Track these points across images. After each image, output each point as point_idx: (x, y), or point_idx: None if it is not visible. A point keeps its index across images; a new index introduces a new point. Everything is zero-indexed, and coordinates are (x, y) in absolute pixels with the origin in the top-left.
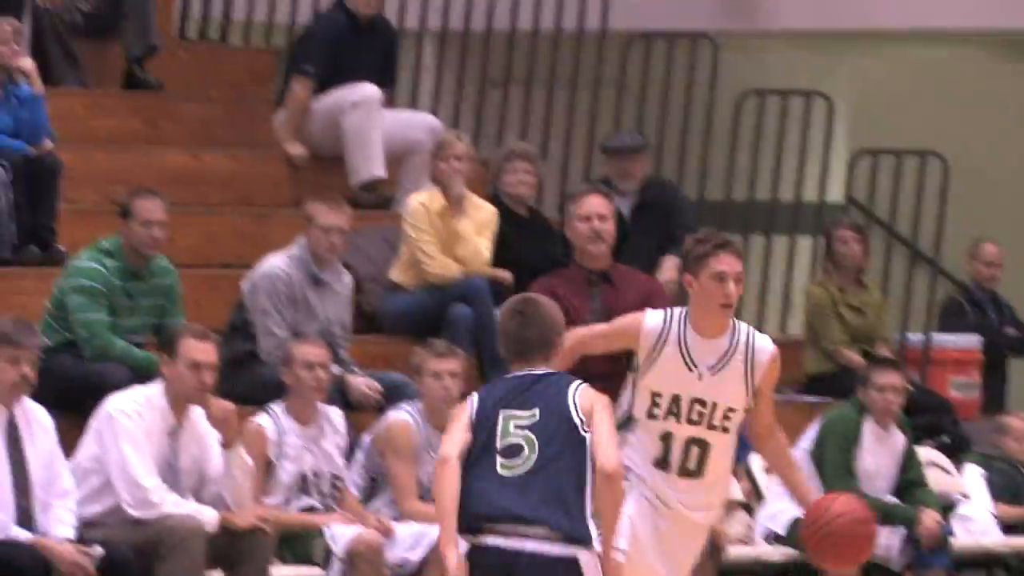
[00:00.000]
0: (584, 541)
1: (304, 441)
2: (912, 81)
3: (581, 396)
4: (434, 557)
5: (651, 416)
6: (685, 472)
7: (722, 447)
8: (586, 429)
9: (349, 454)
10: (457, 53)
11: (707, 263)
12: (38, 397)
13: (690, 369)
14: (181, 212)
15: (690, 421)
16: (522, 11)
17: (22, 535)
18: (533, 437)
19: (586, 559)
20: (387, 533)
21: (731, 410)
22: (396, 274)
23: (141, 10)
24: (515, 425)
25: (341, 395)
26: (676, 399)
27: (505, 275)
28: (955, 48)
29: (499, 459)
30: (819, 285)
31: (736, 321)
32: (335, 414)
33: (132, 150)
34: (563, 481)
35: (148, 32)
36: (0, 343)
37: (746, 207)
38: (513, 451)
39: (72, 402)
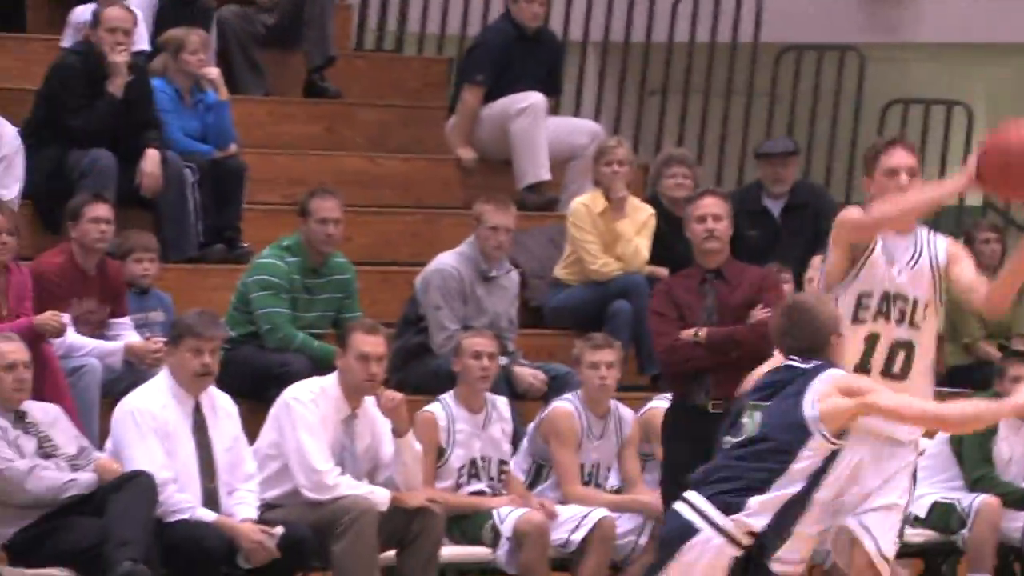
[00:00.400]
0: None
1: (473, 428)
2: None
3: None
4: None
5: (857, 320)
6: (889, 375)
7: (925, 346)
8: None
9: (515, 441)
10: (618, 63)
11: (879, 160)
12: (222, 385)
13: (891, 264)
14: (357, 212)
15: (898, 321)
16: (679, 24)
17: (208, 516)
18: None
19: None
20: (551, 515)
21: (926, 307)
22: (560, 271)
23: (320, 23)
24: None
25: (508, 385)
26: (885, 296)
27: (663, 272)
28: None
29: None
30: None
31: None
32: (502, 403)
33: (312, 154)
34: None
35: (327, 43)
36: (184, 334)
37: None
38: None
39: (255, 391)
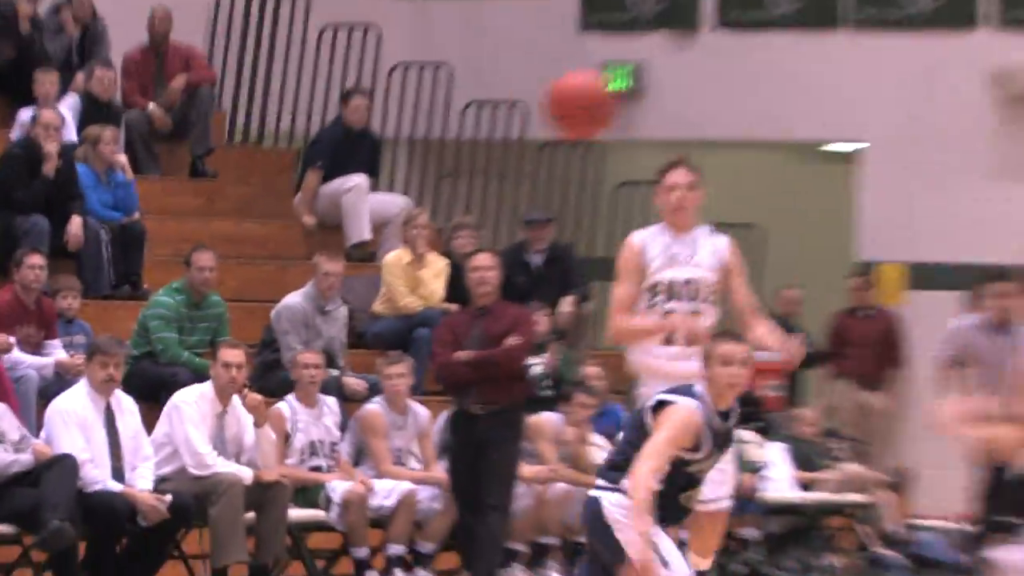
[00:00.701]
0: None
1: (310, 418)
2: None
3: None
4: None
5: (653, 306)
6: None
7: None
8: None
9: (343, 429)
10: (422, 153)
11: (663, 179)
12: (127, 390)
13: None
14: (228, 263)
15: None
16: (467, 124)
17: (116, 487)
18: None
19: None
20: (369, 488)
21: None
22: (377, 306)
23: (202, 122)
24: None
25: (339, 390)
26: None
27: (453, 308)
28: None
29: None
30: None
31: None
32: (331, 401)
33: (194, 220)
34: None
35: (207, 138)
36: (96, 352)
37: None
38: None
39: (151, 395)
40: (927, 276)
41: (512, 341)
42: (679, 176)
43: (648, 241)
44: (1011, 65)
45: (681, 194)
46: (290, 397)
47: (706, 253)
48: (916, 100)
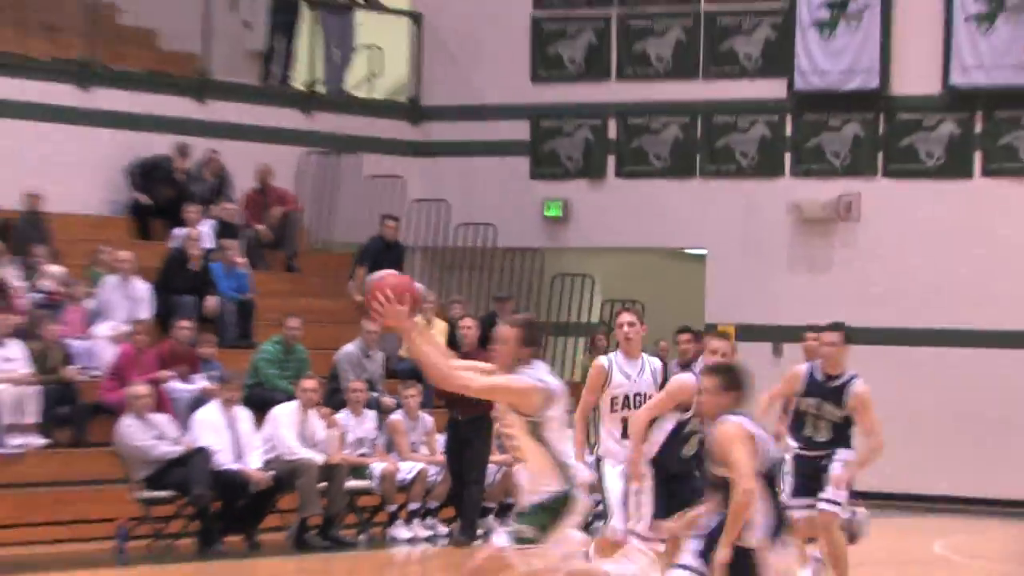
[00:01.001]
0: None
1: (359, 423)
2: None
3: None
4: None
5: (613, 410)
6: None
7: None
8: None
9: (380, 430)
10: (430, 256)
11: (617, 319)
12: (244, 405)
13: (627, 378)
14: (309, 325)
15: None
16: (459, 237)
17: (236, 467)
18: None
19: None
20: (396, 467)
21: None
22: (401, 352)
23: (292, 236)
24: None
25: (377, 405)
26: (626, 397)
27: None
28: None
29: None
30: None
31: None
32: (371, 412)
33: (286, 298)
34: None
35: (294, 245)
36: (224, 382)
37: None
38: None
39: (259, 408)
40: (748, 333)
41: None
42: (626, 317)
43: (610, 362)
44: (802, 200)
45: (627, 330)
46: (346, 410)
47: (647, 372)
48: (741, 223)
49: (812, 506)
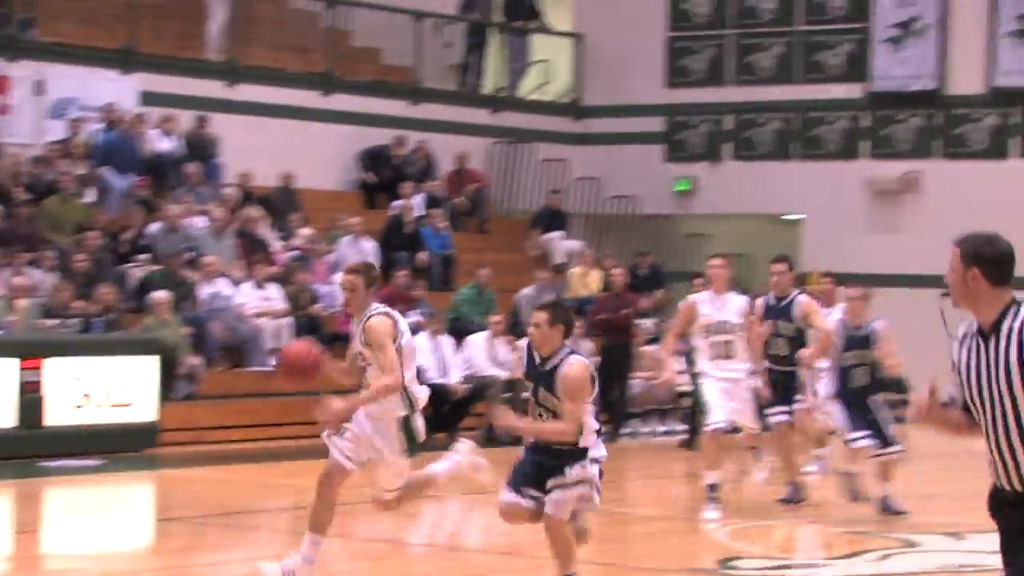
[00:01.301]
0: None
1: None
2: None
3: None
4: None
5: (705, 336)
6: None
7: None
8: None
9: None
10: (586, 223)
11: (708, 264)
12: (447, 333)
13: (715, 309)
14: (497, 275)
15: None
16: (612, 206)
17: (440, 380)
18: None
19: None
20: None
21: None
22: (567, 295)
23: (483, 205)
24: None
25: None
26: (709, 325)
27: (603, 295)
28: None
29: None
30: None
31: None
32: None
33: (478, 253)
34: None
35: (484, 212)
36: (431, 317)
37: None
38: None
39: (458, 336)
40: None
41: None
42: (713, 261)
43: (698, 299)
44: (876, 177)
45: (713, 271)
46: (526, 339)
47: (731, 305)
48: (829, 195)
49: (788, 413)
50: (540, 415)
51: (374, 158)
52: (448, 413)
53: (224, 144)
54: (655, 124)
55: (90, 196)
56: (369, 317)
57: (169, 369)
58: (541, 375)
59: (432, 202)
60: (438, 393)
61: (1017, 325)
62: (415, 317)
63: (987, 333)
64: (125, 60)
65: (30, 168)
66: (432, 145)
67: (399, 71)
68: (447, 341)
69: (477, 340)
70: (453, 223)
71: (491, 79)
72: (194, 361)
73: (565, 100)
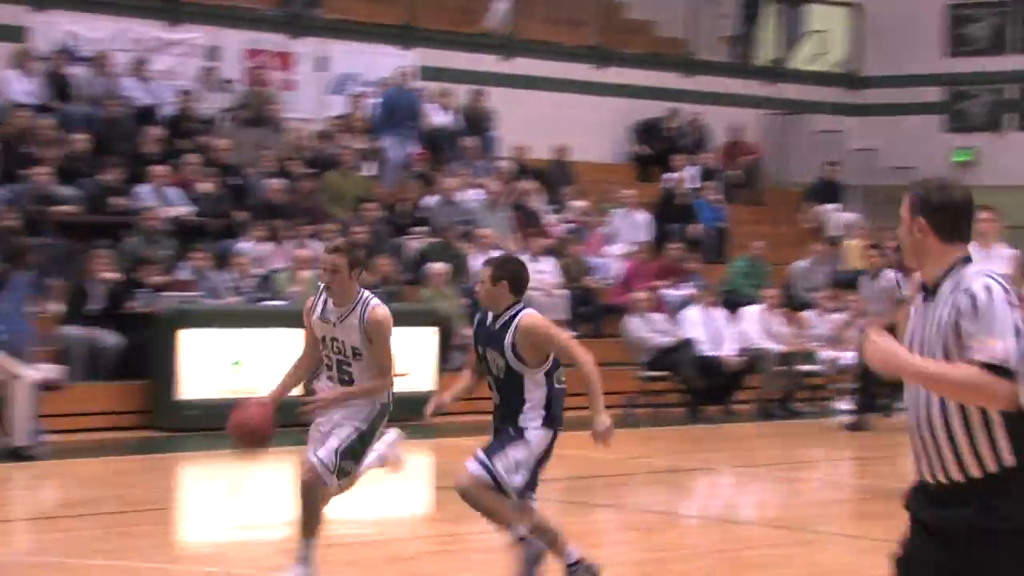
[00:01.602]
0: None
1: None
2: None
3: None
4: None
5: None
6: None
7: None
8: None
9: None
10: (861, 196)
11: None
12: (720, 306)
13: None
14: (774, 246)
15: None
16: (881, 178)
17: (713, 353)
18: None
19: None
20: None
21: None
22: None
23: (756, 178)
24: None
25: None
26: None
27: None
28: None
29: None
30: None
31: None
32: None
33: (753, 225)
34: None
35: (759, 185)
36: (704, 289)
37: None
38: None
39: (732, 308)
40: None
41: None
42: (982, 214)
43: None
44: None
45: (981, 225)
46: (811, 311)
47: (996, 258)
48: None
49: None
50: (489, 384)
51: (647, 130)
52: (720, 386)
53: (499, 117)
54: (934, 94)
55: (369, 169)
56: (371, 307)
57: (445, 339)
58: (491, 335)
59: (706, 174)
60: (711, 366)
61: (951, 286)
62: (687, 289)
63: (930, 293)
64: (405, 36)
65: (312, 143)
66: (705, 117)
67: (672, 43)
68: (720, 314)
69: (751, 313)
70: (727, 195)
71: (766, 50)
72: (469, 332)
73: (841, 70)
